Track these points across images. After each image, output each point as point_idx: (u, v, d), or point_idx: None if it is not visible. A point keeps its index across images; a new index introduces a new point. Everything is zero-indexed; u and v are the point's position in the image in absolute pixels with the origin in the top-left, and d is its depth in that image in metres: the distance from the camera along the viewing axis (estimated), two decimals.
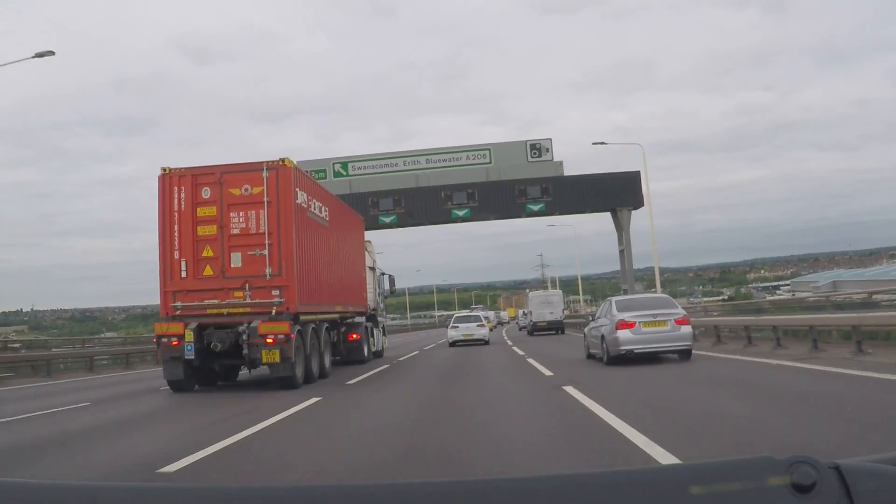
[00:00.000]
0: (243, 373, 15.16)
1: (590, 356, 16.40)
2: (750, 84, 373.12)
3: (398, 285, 26.76)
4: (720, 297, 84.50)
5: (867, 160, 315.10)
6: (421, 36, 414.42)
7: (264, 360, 12.18)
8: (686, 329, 14.18)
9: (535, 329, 37.99)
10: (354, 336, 18.53)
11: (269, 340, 12.07)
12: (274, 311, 12.31)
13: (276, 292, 12.40)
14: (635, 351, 13.92)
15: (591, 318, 17.20)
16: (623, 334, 13.95)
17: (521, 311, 61.18)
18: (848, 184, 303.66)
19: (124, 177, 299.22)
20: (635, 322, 13.95)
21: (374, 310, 21.15)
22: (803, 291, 70.37)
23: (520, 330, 48.25)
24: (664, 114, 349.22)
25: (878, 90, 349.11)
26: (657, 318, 14.04)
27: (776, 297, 53.51)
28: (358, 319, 19.04)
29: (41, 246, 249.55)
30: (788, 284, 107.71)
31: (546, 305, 38.61)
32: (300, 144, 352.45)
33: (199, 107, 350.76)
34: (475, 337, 28.91)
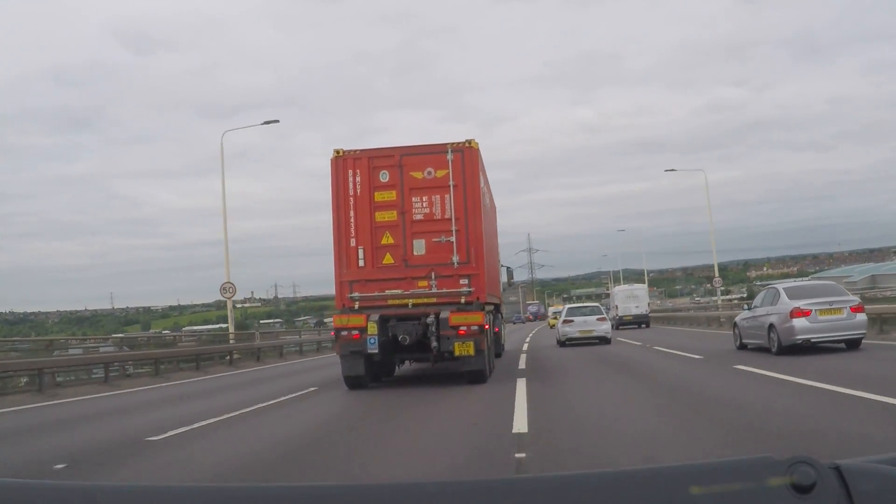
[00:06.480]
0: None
1: (742, 346, 16.26)
2: (722, 79, 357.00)
3: None
4: (736, 296, 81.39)
5: (840, 161, 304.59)
6: (374, 24, 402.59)
7: (457, 353, 11.44)
8: (862, 317, 13.91)
9: (621, 323, 37.38)
10: (496, 329, 17.63)
11: (461, 332, 11.34)
12: (463, 301, 11.60)
13: (464, 281, 11.68)
14: (812, 340, 13.64)
15: (746, 308, 17.02)
16: (799, 323, 13.64)
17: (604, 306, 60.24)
18: (823, 185, 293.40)
19: (76, 175, 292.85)
20: (811, 310, 13.66)
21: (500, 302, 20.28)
22: None
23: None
24: (633, 111, 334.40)
25: (853, 87, 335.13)
26: (833, 306, 13.76)
27: None
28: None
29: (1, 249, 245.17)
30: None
31: (631, 299, 38.12)
32: (255, 141, 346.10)
33: (146, 101, 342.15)
34: (595, 334, 22.66)
